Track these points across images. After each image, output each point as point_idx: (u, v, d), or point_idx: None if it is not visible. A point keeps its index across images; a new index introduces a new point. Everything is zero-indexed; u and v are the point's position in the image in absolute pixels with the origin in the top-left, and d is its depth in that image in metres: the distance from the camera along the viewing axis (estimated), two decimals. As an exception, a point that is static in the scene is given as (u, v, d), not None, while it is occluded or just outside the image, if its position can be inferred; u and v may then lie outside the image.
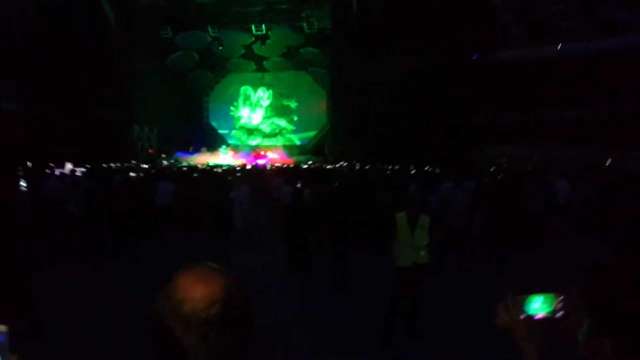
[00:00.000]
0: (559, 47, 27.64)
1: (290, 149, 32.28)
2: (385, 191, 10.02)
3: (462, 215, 8.82)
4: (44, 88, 23.65)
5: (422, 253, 5.47)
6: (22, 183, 10.19)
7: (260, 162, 24.88)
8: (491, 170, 17.41)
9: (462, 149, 22.38)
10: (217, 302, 1.01)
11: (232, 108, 34.80)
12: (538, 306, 1.36)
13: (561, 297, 1.32)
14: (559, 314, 1.32)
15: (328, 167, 21.28)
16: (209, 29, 29.20)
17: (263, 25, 28.67)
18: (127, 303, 6.66)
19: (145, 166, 20.87)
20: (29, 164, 15.66)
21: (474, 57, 25.44)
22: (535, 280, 5.19)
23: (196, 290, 1.02)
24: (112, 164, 20.29)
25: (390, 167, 18.20)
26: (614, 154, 20.86)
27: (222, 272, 1.08)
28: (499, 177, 13.95)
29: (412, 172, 16.87)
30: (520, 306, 1.38)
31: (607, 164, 20.49)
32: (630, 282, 1.14)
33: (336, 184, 11.00)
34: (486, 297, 1.72)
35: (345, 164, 21.76)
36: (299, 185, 9.87)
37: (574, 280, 1.24)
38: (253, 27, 28.88)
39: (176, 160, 26.31)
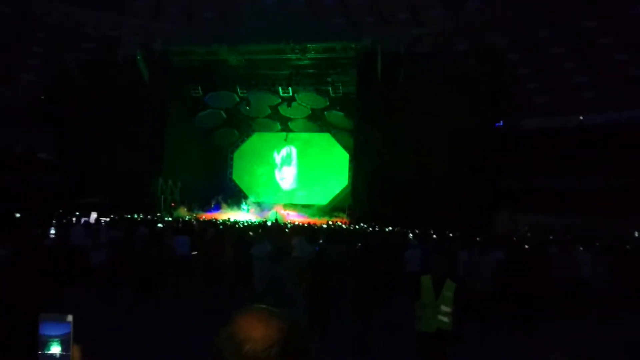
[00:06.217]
0: (581, 117, 27.89)
1: (310, 208, 32.29)
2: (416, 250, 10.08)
3: (488, 282, 8.71)
4: (78, 139, 24.71)
5: (446, 319, 5.35)
6: (52, 230, 10.41)
7: (280, 219, 24.88)
8: (515, 238, 17.27)
9: (485, 215, 22.22)
10: (276, 344, 1.06)
11: (255, 166, 35.42)
12: None
13: None
14: None
15: (350, 227, 21.24)
16: (238, 89, 30.21)
17: (290, 88, 29.54)
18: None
19: (169, 219, 21.09)
20: (60, 211, 16.02)
21: (497, 125, 25.74)
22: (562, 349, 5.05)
23: (256, 331, 1.07)
24: (135, 215, 20.57)
25: (410, 231, 18.08)
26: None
27: (280, 316, 1.14)
28: (527, 246, 13.79)
29: (434, 236, 16.72)
30: None
31: (637, 235, 20.11)
32: None
33: (359, 244, 10.97)
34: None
35: (365, 225, 21.71)
36: (320, 243, 9.87)
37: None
38: (280, 89, 29.77)
39: (197, 215, 26.53)
